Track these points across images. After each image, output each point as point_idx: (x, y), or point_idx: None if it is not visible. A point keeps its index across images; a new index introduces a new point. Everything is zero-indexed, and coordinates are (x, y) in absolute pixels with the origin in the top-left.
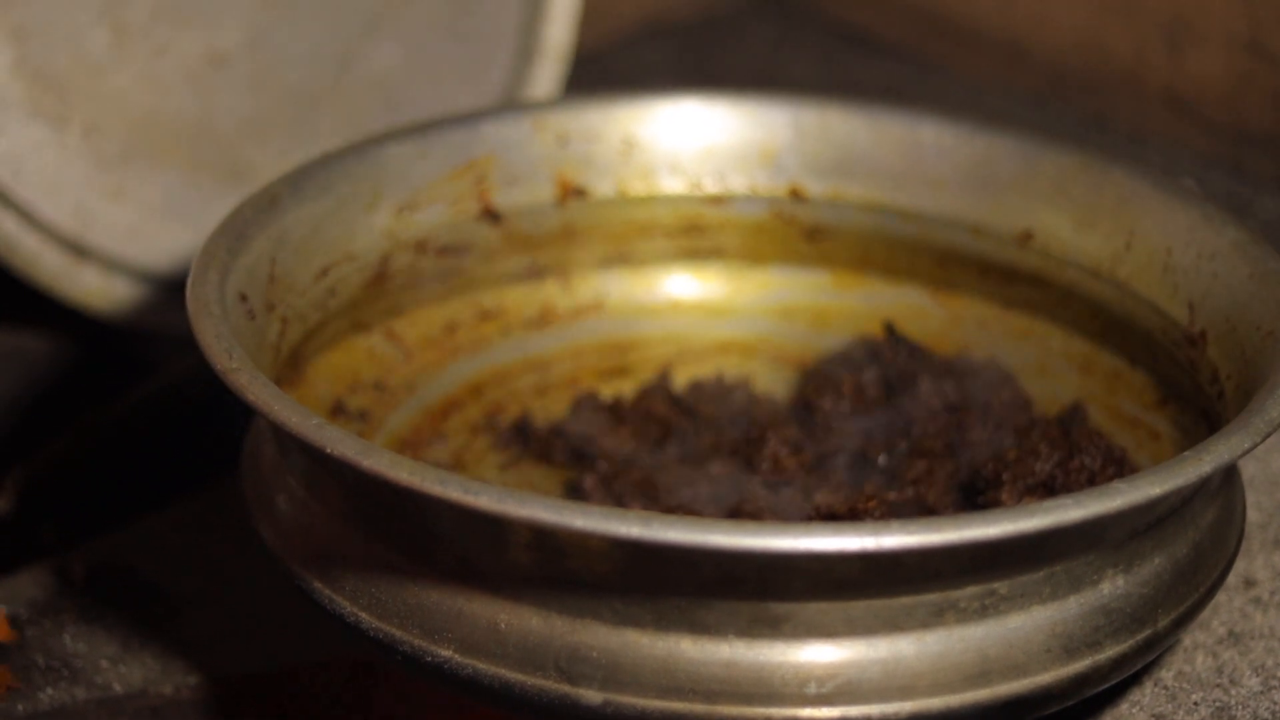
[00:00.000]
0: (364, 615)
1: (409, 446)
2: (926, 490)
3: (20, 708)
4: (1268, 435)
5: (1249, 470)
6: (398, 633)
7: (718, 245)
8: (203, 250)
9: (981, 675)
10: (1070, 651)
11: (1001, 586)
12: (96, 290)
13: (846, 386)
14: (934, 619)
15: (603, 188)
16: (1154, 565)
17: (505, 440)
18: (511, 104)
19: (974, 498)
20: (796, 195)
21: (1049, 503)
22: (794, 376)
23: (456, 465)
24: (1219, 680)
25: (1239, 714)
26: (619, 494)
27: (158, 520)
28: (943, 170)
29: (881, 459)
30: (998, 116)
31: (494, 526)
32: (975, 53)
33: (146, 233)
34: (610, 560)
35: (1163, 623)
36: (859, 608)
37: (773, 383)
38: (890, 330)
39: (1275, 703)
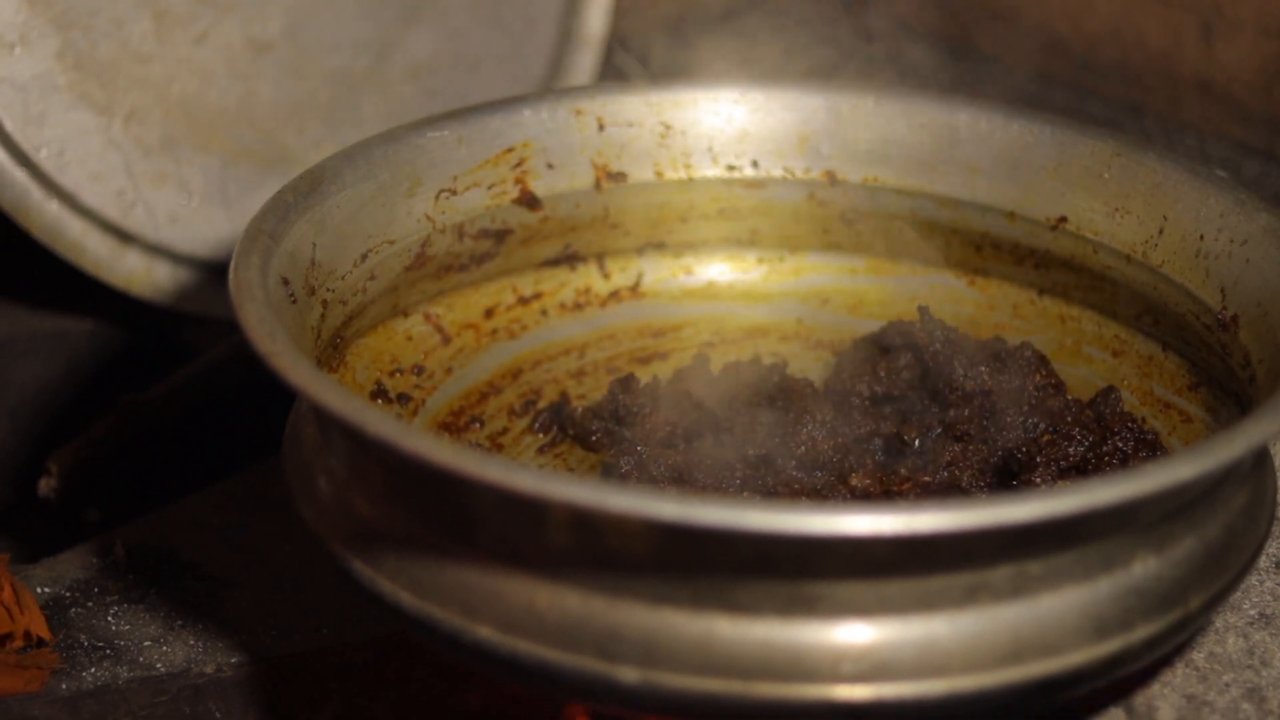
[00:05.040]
0: (404, 595)
1: (448, 429)
2: (960, 473)
3: (64, 687)
4: None
5: None
6: (437, 612)
7: (754, 230)
8: (245, 234)
9: (1014, 655)
10: (1102, 632)
11: (1034, 567)
12: (139, 274)
13: (881, 370)
14: (967, 599)
15: (640, 173)
16: (1186, 547)
17: (543, 423)
18: (550, 90)
19: (1007, 480)
20: (832, 180)
21: (1081, 484)
22: (829, 360)
23: (494, 448)
24: (1250, 661)
25: (1270, 695)
26: (655, 476)
27: (199, 501)
28: (977, 156)
29: (916, 442)
30: (1032, 103)
31: (533, 508)
32: (1010, 40)
33: (188, 218)
34: (647, 541)
35: (1194, 604)
36: (893, 588)
37: (808, 366)
38: (925, 314)
39: None
